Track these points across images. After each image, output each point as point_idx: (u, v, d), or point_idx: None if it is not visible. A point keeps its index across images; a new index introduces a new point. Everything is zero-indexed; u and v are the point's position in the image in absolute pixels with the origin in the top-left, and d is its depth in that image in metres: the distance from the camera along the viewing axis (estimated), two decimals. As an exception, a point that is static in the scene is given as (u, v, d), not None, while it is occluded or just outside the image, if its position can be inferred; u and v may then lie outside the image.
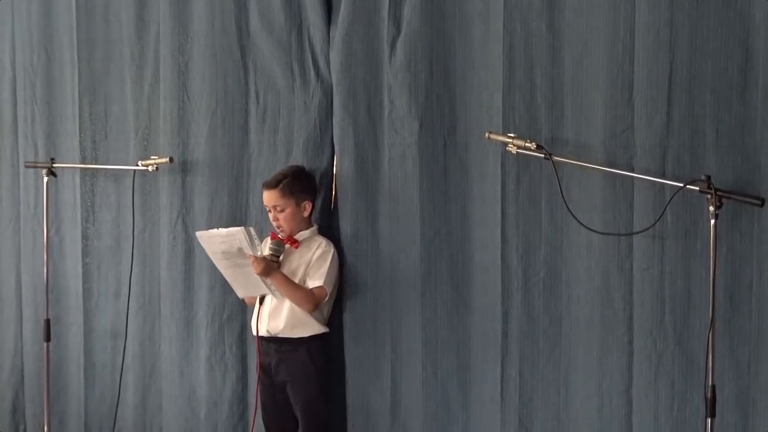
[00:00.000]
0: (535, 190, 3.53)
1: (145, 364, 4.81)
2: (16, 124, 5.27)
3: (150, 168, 4.51)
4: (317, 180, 4.13)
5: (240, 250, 3.85)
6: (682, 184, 3.07)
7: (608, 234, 3.34)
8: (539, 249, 3.54)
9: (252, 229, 3.88)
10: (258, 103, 4.31)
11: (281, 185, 3.99)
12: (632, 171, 3.27)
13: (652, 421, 3.30)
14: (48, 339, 4.87)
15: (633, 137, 3.29)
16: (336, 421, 4.11)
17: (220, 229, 3.99)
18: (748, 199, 2.98)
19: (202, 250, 4.05)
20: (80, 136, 4.94)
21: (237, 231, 3.86)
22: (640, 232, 3.26)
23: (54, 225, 5.04)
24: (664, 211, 3.17)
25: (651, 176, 3.21)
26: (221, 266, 4.02)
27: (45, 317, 4.87)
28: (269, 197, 4.01)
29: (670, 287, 3.24)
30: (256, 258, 3.84)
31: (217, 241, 3.93)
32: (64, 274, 5.08)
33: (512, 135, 3.45)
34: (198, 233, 4.04)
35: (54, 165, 4.80)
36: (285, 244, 4.01)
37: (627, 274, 3.34)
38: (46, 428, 4.89)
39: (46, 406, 4.89)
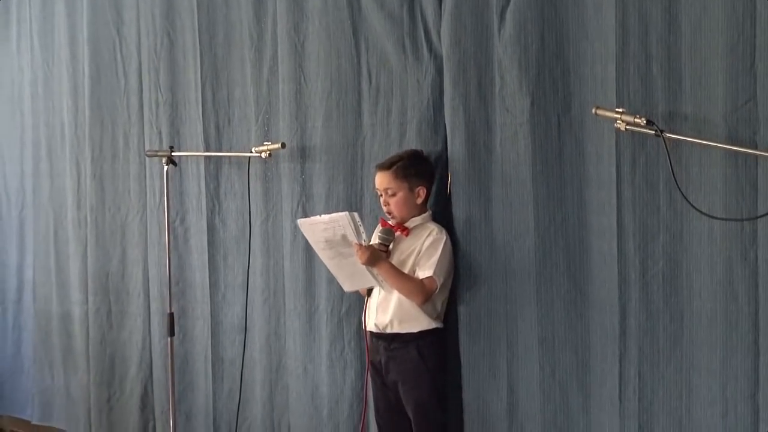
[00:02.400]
0: (652, 172, 3.45)
1: (271, 360, 4.97)
2: (143, 112, 5.52)
3: (263, 155, 4.64)
4: (433, 163, 4.16)
5: (344, 237, 3.93)
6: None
7: (730, 219, 3.23)
8: (658, 237, 3.46)
9: (356, 215, 3.94)
10: (371, 83, 4.39)
11: (395, 167, 4.03)
12: (755, 148, 3.15)
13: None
14: (172, 333, 5.09)
15: (756, 110, 3.17)
16: (452, 423, 4.14)
17: (322, 215, 4.07)
18: None
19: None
20: (204, 123, 5.15)
21: (340, 216, 3.93)
22: (766, 215, 3.13)
23: (179, 215, 5.27)
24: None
25: (777, 153, 3.09)
26: (325, 257, 4.12)
27: (168, 311, 5.10)
28: (381, 179, 4.06)
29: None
30: (360, 245, 3.91)
31: (320, 229, 4.01)
32: (190, 265, 5.30)
33: (620, 110, 3.38)
34: (299, 221, 4.16)
35: (173, 153, 5.01)
36: (395, 231, 4.06)
37: (752, 264, 3.22)
38: (171, 424, 5.12)
39: (171, 401, 5.12)
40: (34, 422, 6.43)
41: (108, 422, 5.89)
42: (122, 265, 5.75)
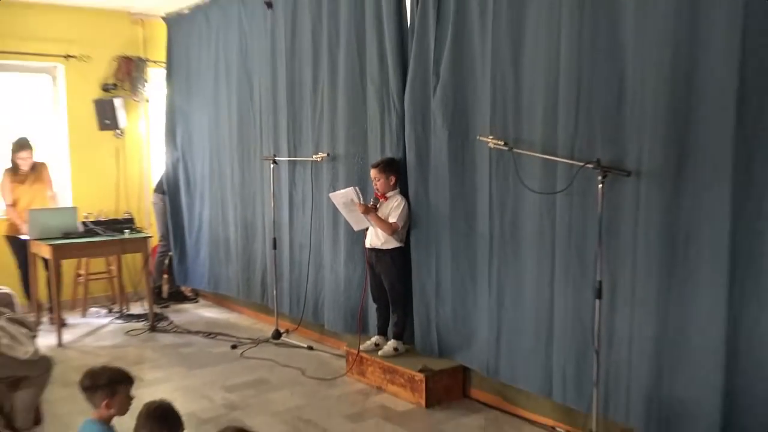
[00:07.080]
0: (507, 169, 3.40)
1: (317, 263, 4.81)
2: (261, 136, 5.29)
3: (318, 159, 4.56)
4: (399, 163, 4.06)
5: (352, 200, 3.97)
6: (582, 163, 2.93)
7: (542, 193, 3.21)
8: (507, 204, 3.42)
9: (357, 189, 3.97)
10: (368, 123, 4.25)
11: (380, 166, 3.99)
12: (556, 156, 3.11)
13: (564, 300, 3.15)
14: (274, 247, 5.08)
15: (556, 135, 3.12)
16: (409, 297, 4.08)
17: (340, 190, 4.07)
18: (620, 172, 2.82)
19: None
20: (288, 142, 4.95)
21: (349, 190, 3.98)
22: (560, 192, 3.12)
23: (277, 190, 5.12)
24: (573, 179, 3.02)
25: (566, 159, 3.05)
26: (344, 212, 4.11)
27: (272, 236, 5.09)
28: (373, 173, 4.03)
29: (576, 223, 3.09)
30: (360, 204, 3.94)
31: (340, 196, 4.03)
32: (281, 216, 5.12)
33: (491, 136, 3.35)
34: (330, 195, 4.15)
35: (275, 158, 4.94)
36: (380, 199, 4.04)
37: (552, 216, 3.19)
38: (275, 294, 5.11)
39: (275, 284, 5.11)
40: (209, 290, 6.20)
41: (247, 291, 5.66)
42: (253, 215, 5.54)
